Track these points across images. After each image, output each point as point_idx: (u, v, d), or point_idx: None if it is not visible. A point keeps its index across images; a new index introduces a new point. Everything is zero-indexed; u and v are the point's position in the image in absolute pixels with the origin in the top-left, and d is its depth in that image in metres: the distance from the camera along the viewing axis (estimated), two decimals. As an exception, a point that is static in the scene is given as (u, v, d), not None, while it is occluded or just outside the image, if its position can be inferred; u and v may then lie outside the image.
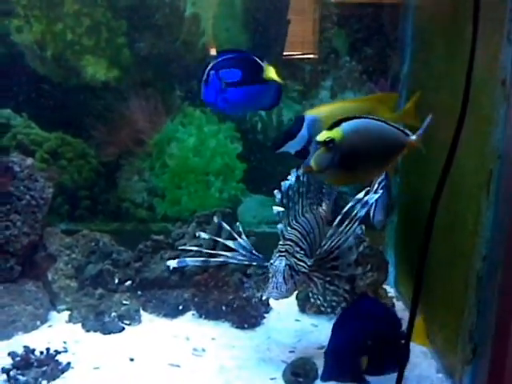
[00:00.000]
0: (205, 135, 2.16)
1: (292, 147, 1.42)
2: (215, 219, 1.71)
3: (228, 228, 1.62)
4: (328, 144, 1.17)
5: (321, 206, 1.69)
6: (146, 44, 2.10)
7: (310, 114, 1.43)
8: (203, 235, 1.67)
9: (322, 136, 1.18)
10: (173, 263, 1.54)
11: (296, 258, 1.44)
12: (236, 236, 1.59)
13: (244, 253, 1.55)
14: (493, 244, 1.34)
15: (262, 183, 2.16)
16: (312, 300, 1.52)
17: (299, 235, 1.51)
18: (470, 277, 1.38)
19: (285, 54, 2.23)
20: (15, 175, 1.84)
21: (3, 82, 2.13)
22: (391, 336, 1.36)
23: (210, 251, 1.60)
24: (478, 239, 1.35)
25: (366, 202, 1.47)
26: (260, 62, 1.47)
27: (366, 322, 1.36)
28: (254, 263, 1.54)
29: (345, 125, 1.18)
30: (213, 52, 2.20)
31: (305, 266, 1.45)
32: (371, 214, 1.70)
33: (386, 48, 2.12)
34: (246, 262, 1.54)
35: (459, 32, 1.54)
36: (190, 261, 1.55)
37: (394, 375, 1.16)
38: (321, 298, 1.50)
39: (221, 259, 1.56)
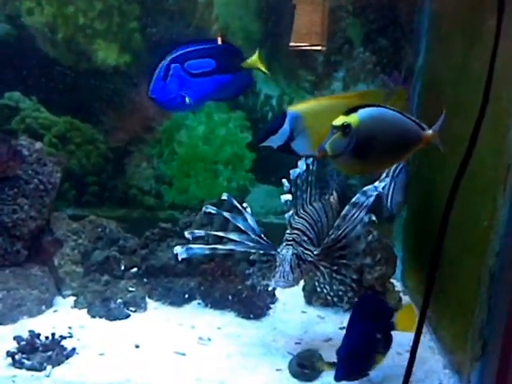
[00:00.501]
0: (215, 123, 2.14)
1: (274, 142, 1.43)
2: (224, 196, 1.61)
3: (237, 204, 1.57)
4: (345, 129, 1.15)
5: (331, 195, 1.67)
6: (158, 29, 2.08)
7: (293, 109, 1.43)
8: (210, 209, 1.59)
9: (339, 121, 1.16)
10: (180, 252, 1.51)
11: (303, 246, 1.43)
12: (245, 213, 1.55)
13: (252, 236, 1.53)
14: (507, 240, 1.31)
15: (270, 173, 2.14)
16: (318, 289, 1.51)
17: (307, 224, 1.49)
18: (483, 273, 1.36)
19: (292, 44, 2.19)
20: (23, 159, 1.83)
21: (13, 64, 2.11)
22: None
23: (219, 233, 1.58)
24: (492, 235, 1.33)
25: (375, 189, 1.43)
26: (239, 51, 1.48)
27: (375, 319, 1.36)
28: (262, 251, 1.52)
29: (361, 111, 1.17)
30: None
31: (311, 254, 1.44)
32: (389, 198, 1.67)
33: (400, 39, 2.09)
34: (254, 250, 1.52)
35: (478, 23, 1.51)
36: (198, 249, 1.53)
37: (402, 371, 1.15)
38: (327, 288, 1.49)
39: (228, 247, 1.54)
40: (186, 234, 1.56)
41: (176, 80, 1.43)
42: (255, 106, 2.19)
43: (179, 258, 1.51)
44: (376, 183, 1.45)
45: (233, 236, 1.55)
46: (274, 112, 2.19)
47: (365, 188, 1.46)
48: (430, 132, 1.27)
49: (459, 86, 1.65)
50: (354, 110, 1.19)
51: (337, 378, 1.33)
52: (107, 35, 2.07)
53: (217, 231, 1.79)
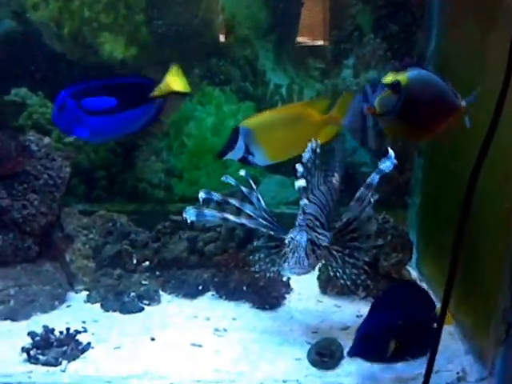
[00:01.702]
0: (224, 115, 2.12)
1: (234, 156, 1.50)
2: (242, 173, 1.53)
3: (251, 182, 1.53)
4: (394, 87, 1.16)
5: (333, 176, 1.65)
6: (164, 21, 2.06)
7: (244, 125, 1.50)
8: (230, 180, 1.52)
9: (389, 78, 1.17)
10: (190, 213, 1.46)
11: (316, 231, 1.40)
12: (257, 193, 1.53)
13: (266, 216, 1.51)
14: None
15: (281, 163, 2.11)
16: (331, 274, 1.48)
17: (318, 209, 1.47)
18: (505, 255, 1.33)
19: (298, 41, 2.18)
20: (32, 154, 1.81)
21: (19, 60, 2.10)
22: (425, 322, 1.34)
23: (234, 202, 1.53)
24: (513, 218, 1.30)
25: (381, 170, 1.39)
26: (146, 82, 1.49)
27: (404, 308, 1.34)
28: (273, 232, 1.49)
29: (411, 71, 1.18)
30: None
31: (325, 239, 1.41)
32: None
33: (411, 25, 2.06)
34: (266, 229, 1.49)
35: (493, 5, 1.48)
36: (209, 214, 1.48)
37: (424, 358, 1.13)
38: (340, 271, 1.46)
39: (241, 221, 1.49)
40: (201, 192, 1.49)
41: (71, 115, 1.42)
42: (265, 96, 2.16)
43: (188, 220, 1.46)
44: (383, 164, 1.40)
45: (248, 209, 1.51)
46: (283, 101, 2.16)
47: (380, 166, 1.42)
48: (464, 103, 1.26)
49: (474, 70, 1.62)
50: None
51: (349, 354, 1.32)
52: (113, 28, 2.05)
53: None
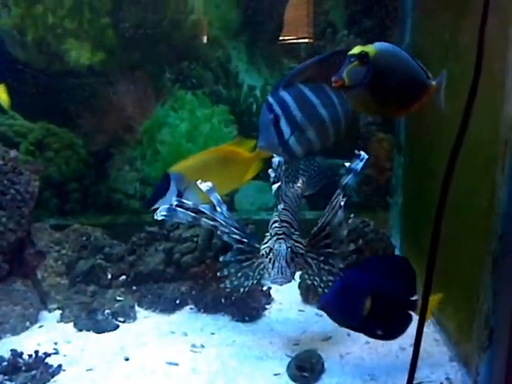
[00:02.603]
0: (198, 120, 2.05)
1: (166, 203, 1.43)
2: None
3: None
4: (362, 58, 1.10)
5: (297, 182, 1.60)
6: (131, 24, 1.98)
7: (174, 170, 1.48)
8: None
9: (356, 49, 1.11)
10: (161, 209, 1.36)
11: (293, 239, 1.34)
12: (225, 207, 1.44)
13: (237, 225, 1.45)
14: (509, 221, 1.23)
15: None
16: (309, 282, 1.44)
17: (290, 215, 1.41)
18: (486, 258, 1.28)
19: (282, 39, 2.12)
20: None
21: (-18, 70, 2.02)
22: (403, 295, 1.30)
23: (205, 211, 1.42)
24: (493, 217, 1.25)
25: (350, 170, 1.34)
26: None
27: (384, 274, 1.28)
28: (246, 239, 1.43)
29: (378, 43, 1.13)
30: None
31: (302, 247, 1.36)
32: None
33: (385, 19, 2.00)
34: (238, 236, 1.42)
35: (465, -4, 1.43)
36: (181, 212, 1.37)
37: (407, 367, 1.07)
38: (317, 279, 1.42)
39: (213, 223, 1.41)
40: (174, 200, 1.39)
41: None
42: (239, 99, 2.09)
43: (158, 217, 1.34)
44: (353, 163, 1.33)
45: (219, 217, 1.42)
46: (258, 104, 2.10)
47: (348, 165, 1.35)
48: (433, 83, 1.21)
49: (448, 61, 1.56)
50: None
51: (321, 305, 1.27)
52: (79, 33, 1.98)
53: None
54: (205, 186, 1.35)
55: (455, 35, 1.53)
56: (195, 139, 2.03)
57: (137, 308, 1.77)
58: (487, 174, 1.29)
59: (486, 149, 1.32)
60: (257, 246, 1.40)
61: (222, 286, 1.50)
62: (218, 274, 1.49)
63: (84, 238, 1.93)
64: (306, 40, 2.15)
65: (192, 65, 2.07)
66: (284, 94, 1.14)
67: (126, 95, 2.02)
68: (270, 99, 1.14)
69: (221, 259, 1.47)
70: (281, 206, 1.37)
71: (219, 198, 1.42)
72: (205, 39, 2.13)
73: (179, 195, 1.43)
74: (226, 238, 1.43)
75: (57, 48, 1.99)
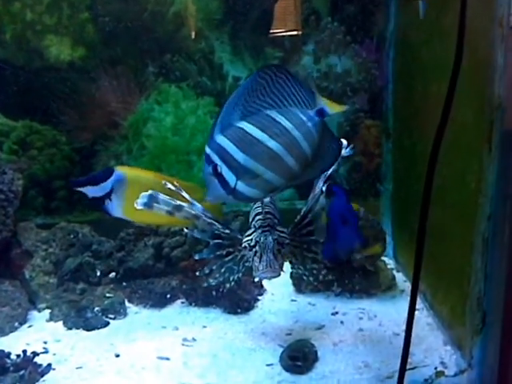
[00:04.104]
0: (183, 112, 2.02)
1: (91, 191, 1.36)
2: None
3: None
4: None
5: None
6: (111, 18, 1.95)
7: (120, 170, 1.37)
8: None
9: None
10: (143, 197, 1.24)
11: (278, 230, 1.31)
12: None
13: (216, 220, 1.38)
14: (497, 202, 1.22)
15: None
16: (293, 270, 1.41)
17: (272, 206, 1.38)
18: (475, 239, 1.27)
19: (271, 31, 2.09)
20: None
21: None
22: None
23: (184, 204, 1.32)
24: (481, 198, 1.24)
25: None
26: None
27: None
28: (228, 231, 1.38)
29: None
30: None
31: (287, 237, 1.32)
32: None
33: (369, 5, 1.98)
34: (220, 229, 1.37)
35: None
36: (162, 199, 1.26)
37: (401, 346, 1.06)
38: (301, 268, 1.40)
39: (195, 212, 1.32)
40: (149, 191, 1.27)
41: None
42: (224, 90, 2.07)
43: (139, 206, 1.23)
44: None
45: (197, 209, 1.33)
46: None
47: None
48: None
49: (433, 45, 1.55)
50: None
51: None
52: (58, 29, 1.94)
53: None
54: (171, 186, 1.28)
55: (440, 17, 1.51)
56: (181, 132, 2.01)
57: (127, 304, 1.75)
58: (474, 155, 1.27)
59: (472, 130, 1.30)
60: (239, 237, 1.36)
61: (205, 284, 1.45)
62: (197, 273, 1.44)
63: (71, 236, 1.89)
64: (295, 32, 2.12)
65: (175, 57, 2.04)
66: (221, 140, 0.99)
67: (109, 90, 1.99)
68: (207, 150, 1.01)
69: (196, 257, 1.41)
70: (267, 199, 1.35)
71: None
72: (191, 32, 2.09)
73: (108, 195, 1.35)
74: (197, 235, 1.37)
75: (36, 44, 1.95)
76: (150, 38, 2.01)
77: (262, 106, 1.01)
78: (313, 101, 1.02)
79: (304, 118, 1.02)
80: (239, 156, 1.00)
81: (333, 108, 1.03)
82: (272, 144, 1.01)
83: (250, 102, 1.00)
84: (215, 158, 1.00)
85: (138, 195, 1.26)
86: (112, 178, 1.35)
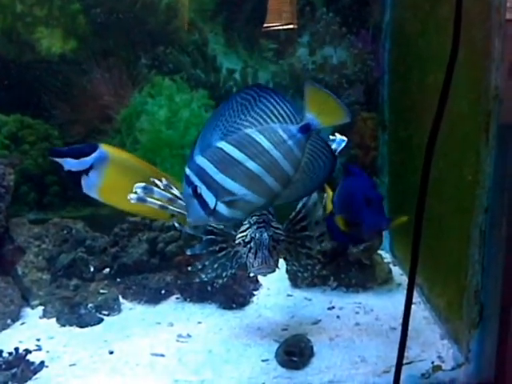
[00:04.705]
0: (177, 106, 1.99)
1: (69, 164, 1.29)
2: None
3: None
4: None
5: None
6: (102, 9, 1.91)
7: (105, 148, 1.31)
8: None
9: None
10: (137, 188, 1.21)
11: (273, 226, 1.30)
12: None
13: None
14: (495, 194, 1.21)
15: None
16: (288, 267, 1.41)
17: None
18: (472, 231, 1.25)
19: (266, 25, 2.06)
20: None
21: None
22: None
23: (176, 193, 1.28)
24: (478, 189, 1.22)
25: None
26: None
27: None
28: (220, 227, 1.37)
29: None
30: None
31: (282, 233, 1.31)
32: None
33: (364, -5, 1.95)
34: (213, 226, 1.36)
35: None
36: (157, 191, 1.23)
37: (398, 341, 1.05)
38: (296, 264, 1.40)
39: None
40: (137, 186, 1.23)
41: None
42: (218, 83, 2.04)
43: (133, 198, 1.20)
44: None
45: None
46: (238, 87, 2.05)
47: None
48: None
49: (428, 34, 1.53)
50: None
51: None
52: (49, 21, 1.90)
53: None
54: (161, 184, 1.25)
55: (435, 7, 1.49)
56: (175, 126, 1.98)
57: (121, 300, 1.73)
58: (471, 147, 1.26)
59: (469, 121, 1.29)
60: (232, 233, 1.35)
61: (197, 280, 1.44)
62: (189, 269, 1.43)
63: (65, 232, 1.87)
64: (291, 26, 2.09)
65: (168, 49, 2.01)
66: (201, 161, 0.98)
67: (101, 83, 1.96)
68: (187, 171, 0.99)
69: (188, 252, 1.40)
70: None
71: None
72: (184, 24, 2.06)
73: (87, 171, 1.29)
74: (190, 230, 1.36)
75: (27, 37, 1.92)
76: (143, 29, 1.98)
77: (243, 125, 0.98)
78: (300, 116, 0.98)
79: (285, 136, 0.98)
80: (218, 177, 0.98)
81: (324, 121, 0.98)
82: (251, 165, 0.98)
83: (231, 121, 0.98)
84: (195, 179, 0.99)
85: (118, 178, 1.24)
86: (94, 155, 1.29)
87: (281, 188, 1.00)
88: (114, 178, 1.26)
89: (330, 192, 1.28)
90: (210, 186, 0.99)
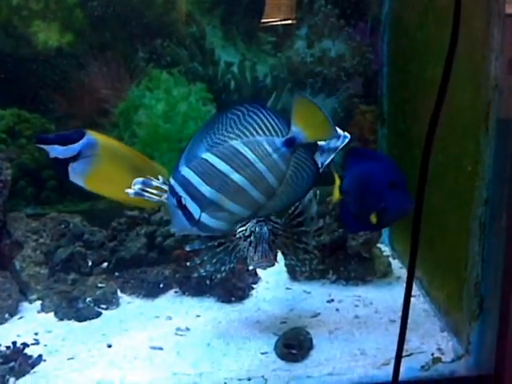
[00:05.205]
0: (174, 99, 1.98)
1: (55, 151, 1.26)
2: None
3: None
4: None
5: None
6: (99, 2, 1.90)
7: (92, 135, 1.29)
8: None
9: None
10: (136, 182, 1.21)
11: (272, 220, 1.31)
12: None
13: None
14: (495, 185, 1.20)
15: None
16: (286, 262, 1.42)
17: None
18: (472, 223, 1.24)
19: (264, 20, 2.05)
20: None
21: None
22: None
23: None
24: (478, 181, 1.21)
25: (323, 150, 1.31)
26: None
27: None
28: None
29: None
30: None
31: (280, 227, 1.33)
32: None
33: (363, -14, 1.94)
34: None
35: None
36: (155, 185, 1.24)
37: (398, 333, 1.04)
38: (294, 258, 1.41)
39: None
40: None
41: None
42: (216, 76, 2.03)
43: (132, 191, 1.20)
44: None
45: None
46: (236, 80, 2.04)
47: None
48: None
49: (427, 25, 1.52)
50: None
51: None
52: (45, 15, 1.89)
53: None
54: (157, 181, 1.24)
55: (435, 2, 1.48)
56: (173, 119, 1.97)
57: (120, 294, 1.72)
58: (471, 138, 1.25)
59: (468, 112, 1.28)
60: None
61: (196, 275, 1.45)
62: (188, 264, 1.44)
63: (62, 226, 1.86)
64: (289, 21, 2.08)
65: (165, 42, 2.00)
66: (186, 172, 0.98)
67: (99, 77, 1.95)
68: (172, 181, 1.00)
69: (187, 248, 1.40)
70: None
71: None
72: (181, 17, 2.04)
73: (74, 158, 1.25)
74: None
75: (24, 31, 1.91)
76: (140, 22, 1.97)
77: (230, 137, 0.98)
78: (286, 130, 0.99)
79: (269, 149, 0.99)
80: (203, 188, 0.99)
81: (310, 135, 0.99)
82: (235, 177, 0.99)
83: (218, 134, 0.99)
84: (179, 190, 0.99)
85: (107, 165, 1.23)
86: (82, 141, 1.25)
87: (265, 200, 1.02)
88: (103, 166, 1.24)
89: (338, 180, 1.26)
90: (195, 197, 0.99)
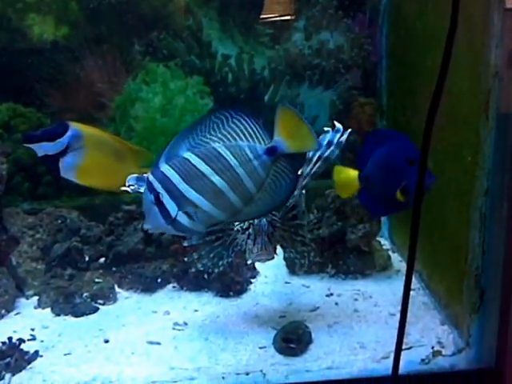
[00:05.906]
0: (171, 93, 1.96)
1: (44, 149, 1.25)
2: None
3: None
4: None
5: None
6: (94, -6, 1.88)
7: (76, 127, 1.28)
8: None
9: None
10: (130, 180, 1.22)
11: (269, 212, 1.28)
12: None
13: None
14: (495, 175, 1.18)
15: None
16: (285, 254, 1.42)
17: None
18: (472, 214, 1.23)
19: (263, 16, 2.02)
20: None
21: None
22: None
23: None
24: (478, 171, 1.20)
25: (329, 143, 1.33)
26: None
27: None
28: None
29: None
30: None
31: (278, 220, 1.32)
32: None
33: (361, -23, 1.92)
34: None
35: None
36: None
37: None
38: (292, 251, 1.41)
39: None
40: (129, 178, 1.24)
41: None
42: (213, 69, 2.01)
43: (127, 187, 1.21)
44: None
45: None
46: (234, 73, 2.02)
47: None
48: None
49: (426, 16, 1.50)
50: None
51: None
52: (41, 7, 1.87)
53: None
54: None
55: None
56: (170, 113, 1.95)
57: (117, 289, 1.70)
58: (470, 127, 1.23)
59: (468, 101, 1.26)
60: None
61: (193, 270, 1.43)
62: (186, 258, 1.43)
63: (59, 221, 1.85)
64: (288, 17, 2.06)
65: (162, 35, 1.98)
66: (166, 169, 0.99)
67: (95, 70, 1.93)
68: (150, 178, 1.00)
69: (185, 244, 1.40)
70: None
71: None
72: (178, 9, 2.02)
73: (64, 152, 1.24)
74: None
75: (18, 24, 1.89)
76: (136, 15, 1.95)
77: (212, 140, 0.99)
78: (269, 139, 1.01)
79: (251, 156, 1.00)
80: (182, 186, 0.99)
81: (292, 146, 1.00)
82: (215, 179, 1.00)
83: (201, 135, 0.99)
84: (157, 187, 1.00)
85: (95, 155, 1.23)
86: (68, 134, 1.24)
87: (242, 205, 1.03)
88: (91, 156, 1.23)
89: (352, 172, 1.24)
90: (173, 194, 1.00)
